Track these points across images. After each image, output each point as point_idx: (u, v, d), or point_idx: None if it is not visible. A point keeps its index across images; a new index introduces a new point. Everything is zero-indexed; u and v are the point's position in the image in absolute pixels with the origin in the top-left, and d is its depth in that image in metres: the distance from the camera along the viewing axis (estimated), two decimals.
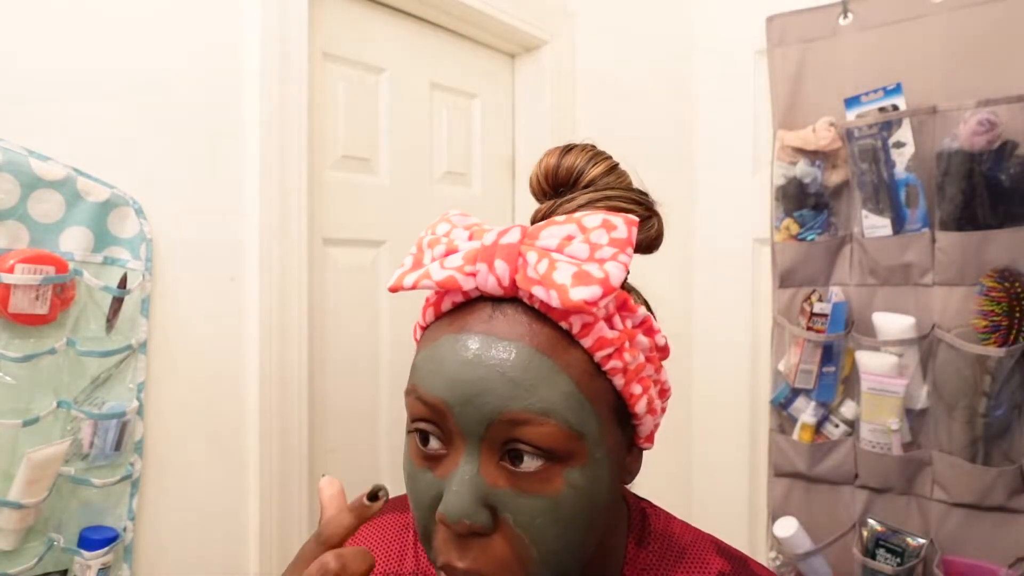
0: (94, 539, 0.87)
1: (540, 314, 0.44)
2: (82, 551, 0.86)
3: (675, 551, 0.55)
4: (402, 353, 1.38)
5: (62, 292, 0.83)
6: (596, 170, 0.51)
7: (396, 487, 0.52)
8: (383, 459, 1.35)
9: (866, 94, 1.35)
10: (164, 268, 0.97)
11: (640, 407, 0.47)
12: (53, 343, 0.83)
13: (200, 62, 1.00)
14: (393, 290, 0.47)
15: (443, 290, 0.46)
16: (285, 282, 1.09)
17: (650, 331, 0.48)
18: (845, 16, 1.42)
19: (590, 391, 0.44)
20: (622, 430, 0.47)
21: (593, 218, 0.44)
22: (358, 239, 1.32)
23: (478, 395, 0.42)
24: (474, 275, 0.44)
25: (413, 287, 0.46)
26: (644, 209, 0.51)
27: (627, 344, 0.45)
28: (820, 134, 1.38)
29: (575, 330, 0.43)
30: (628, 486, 0.54)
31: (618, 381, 0.45)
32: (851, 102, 1.37)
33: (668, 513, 0.59)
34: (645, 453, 0.52)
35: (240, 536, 1.06)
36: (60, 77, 0.87)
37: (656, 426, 0.50)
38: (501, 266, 0.43)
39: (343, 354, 1.29)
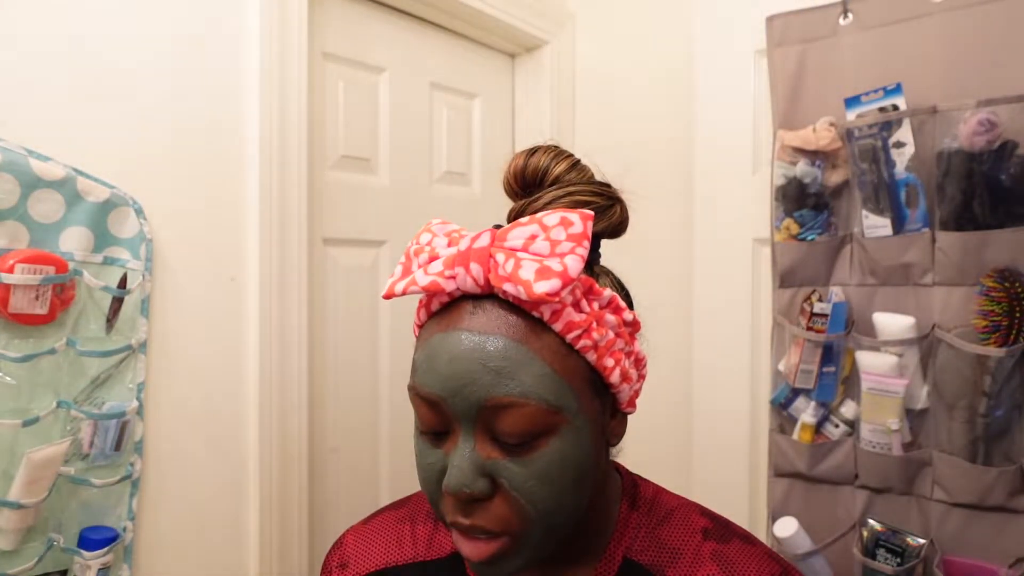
0: (94, 539, 0.87)
1: (514, 306, 0.49)
2: (82, 551, 0.86)
3: (662, 512, 0.63)
4: (402, 353, 1.38)
5: (62, 292, 0.83)
6: (559, 168, 0.57)
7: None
8: (383, 459, 1.35)
9: (866, 94, 1.35)
10: (164, 268, 0.97)
11: (614, 378, 0.52)
12: (53, 343, 0.83)
13: (200, 62, 1.00)
14: (386, 297, 0.53)
15: (430, 293, 0.52)
16: (285, 282, 1.09)
17: (617, 309, 0.53)
18: (845, 16, 1.42)
19: (564, 369, 0.49)
20: (601, 399, 0.53)
21: (552, 217, 0.50)
22: (358, 239, 1.32)
23: (466, 386, 0.48)
24: (454, 278, 0.50)
25: (403, 293, 0.52)
26: (605, 199, 0.56)
27: (595, 324, 0.51)
28: (820, 134, 1.38)
29: (546, 317, 0.49)
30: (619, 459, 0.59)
31: (591, 357, 0.51)
32: (851, 102, 1.36)
33: (657, 484, 0.67)
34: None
35: (240, 536, 1.06)
36: (60, 77, 0.87)
37: (636, 392, 0.56)
38: (476, 268, 0.49)
39: (343, 354, 1.29)
